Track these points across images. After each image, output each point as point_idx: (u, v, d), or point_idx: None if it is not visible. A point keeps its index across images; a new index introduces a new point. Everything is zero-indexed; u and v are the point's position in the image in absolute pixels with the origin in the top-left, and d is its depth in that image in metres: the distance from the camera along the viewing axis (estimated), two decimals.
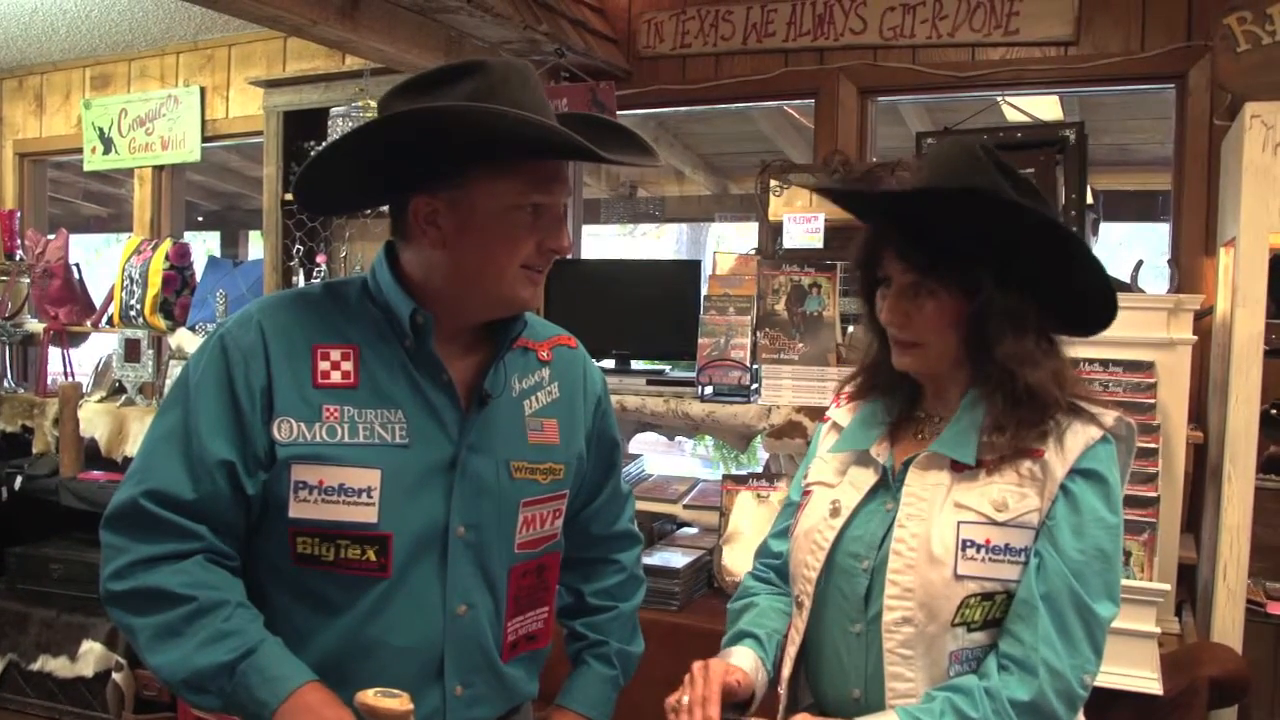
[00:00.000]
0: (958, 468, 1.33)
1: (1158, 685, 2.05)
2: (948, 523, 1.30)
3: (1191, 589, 2.57)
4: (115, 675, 3.66)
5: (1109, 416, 1.33)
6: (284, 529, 1.27)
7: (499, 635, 1.39)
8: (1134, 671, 2.06)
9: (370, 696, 0.98)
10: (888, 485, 1.39)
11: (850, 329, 2.80)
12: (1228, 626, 2.26)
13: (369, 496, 1.26)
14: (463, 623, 1.34)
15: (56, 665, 3.81)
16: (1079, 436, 1.30)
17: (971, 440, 1.32)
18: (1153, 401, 2.34)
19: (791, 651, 1.44)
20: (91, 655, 3.72)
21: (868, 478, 1.41)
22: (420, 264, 1.32)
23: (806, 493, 1.48)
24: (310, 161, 1.31)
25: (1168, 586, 2.19)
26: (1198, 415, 2.65)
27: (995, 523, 1.29)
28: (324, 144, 3.17)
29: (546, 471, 1.42)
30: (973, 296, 1.30)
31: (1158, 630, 2.09)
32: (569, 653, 1.58)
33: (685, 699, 1.28)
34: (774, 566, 1.56)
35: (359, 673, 1.24)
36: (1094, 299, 1.33)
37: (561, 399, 1.47)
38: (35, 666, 3.86)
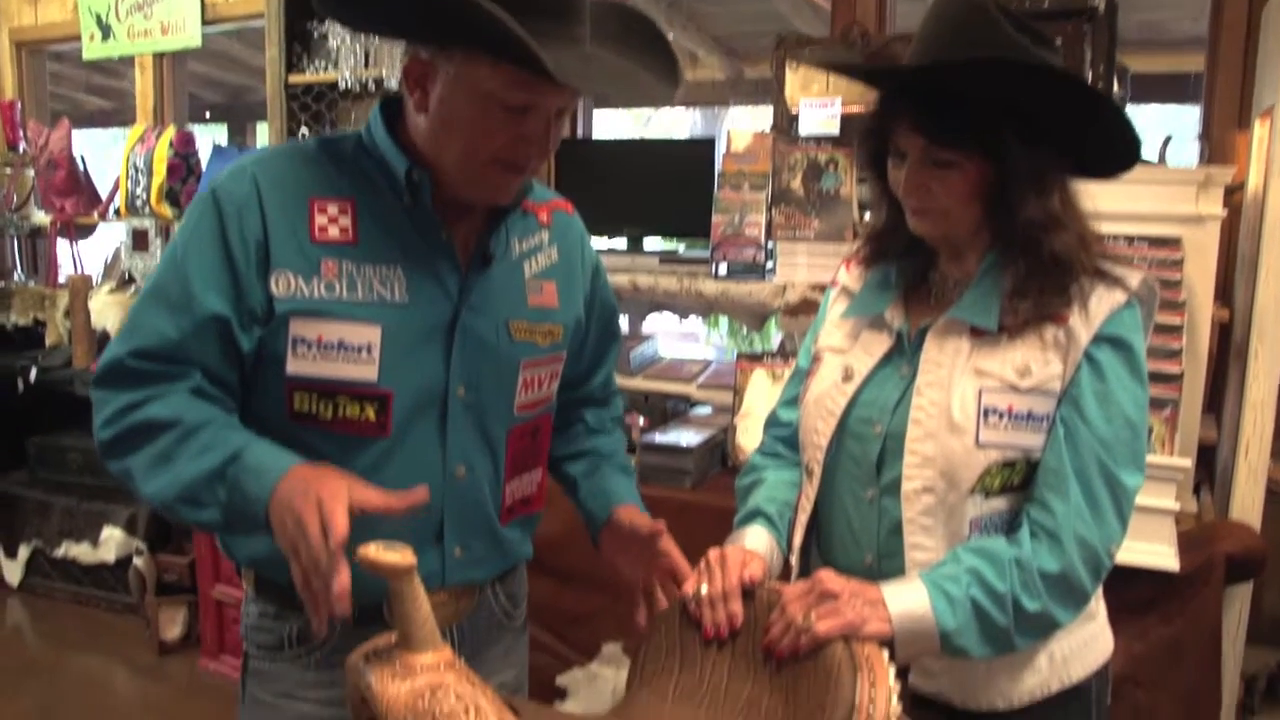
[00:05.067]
0: (978, 333, 1.29)
1: (1174, 561, 2.03)
2: (968, 390, 1.26)
3: (1210, 470, 2.54)
4: (136, 560, 3.74)
5: (1134, 278, 1.28)
6: (281, 385, 1.25)
7: (497, 498, 1.38)
8: (1151, 547, 2.04)
9: (372, 550, 0.96)
10: (902, 350, 1.35)
11: (868, 215, 2.73)
12: (1247, 505, 2.23)
13: (369, 354, 1.23)
14: (462, 484, 1.33)
15: (79, 551, 3.90)
16: (1104, 301, 1.25)
17: (993, 305, 1.28)
18: (1178, 278, 2.28)
19: (802, 519, 1.42)
20: (113, 541, 3.79)
21: (881, 342, 1.37)
22: (411, 124, 1.28)
23: (816, 359, 1.44)
24: None
25: (1188, 463, 2.16)
26: (1224, 293, 2.58)
27: (1018, 389, 1.25)
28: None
29: (546, 333, 1.39)
30: (995, 161, 1.24)
31: (1176, 506, 2.07)
32: (576, 471, 1.55)
33: (704, 589, 1.26)
34: (783, 437, 1.53)
35: (357, 533, 1.21)
36: (1115, 143, 1.26)
37: (560, 262, 1.44)
38: (59, 553, 3.95)
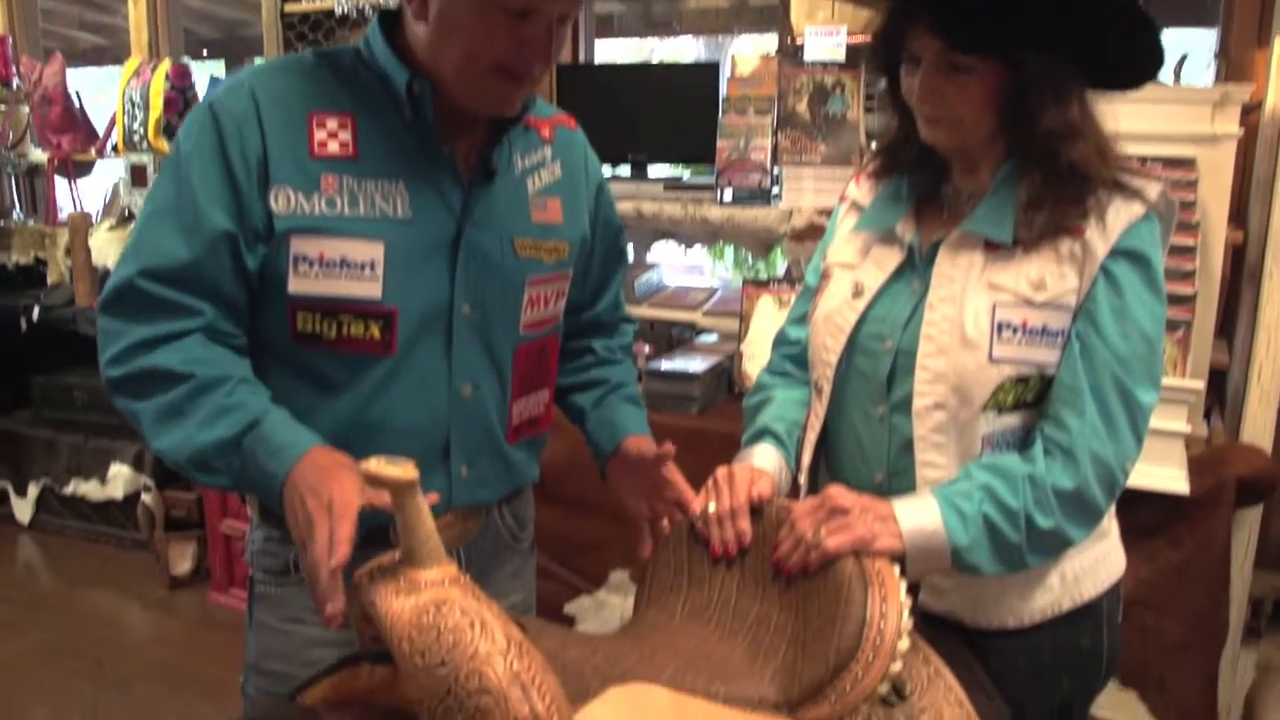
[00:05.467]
0: (991, 247, 1.25)
1: (1185, 484, 2.02)
2: (982, 304, 1.23)
3: (1220, 395, 2.52)
4: (144, 497, 3.75)
5: (1153, 190, 1.24)
6: (283, 305, 1.22)
7: (504, 417, 1.36)
8: (1161, 470, 2.02)
9: (374, 464, 0.94)
10: (914, 265, 1.32)
11: (874, 144, 2.68)
12: (1259, 428, 2.22)
13: (372, 271, 1.21)
14: (468, 403, 1.31)
15: (88, 489, 3.91)
16: (1121, 214, 1.22)
17: (1007, 218, 1.24)
18: (1193, 199, 2.23)
19: (811, 438, 1.40)
20: (120, 478, 3.80)
21: (892, 257, 1.34)
22: (411, 35, 1.24)
23: (825, 275, 1.41)
24: None
25: (1200, 385, 2.14)
26: (1238, 215, 2.54)
27: (1033, 303, 1.22)
28: None
29: (551, 250, 1.36)
30: (1013, 68, 1.20)
31: (1187, 429, 2.05)
32: (584, 402, 1.54)
33: (712, 507, 1.24)
34: (791, 355, 1.51)
35: (363, 454, 1.20)
36: (1137, 48, 1.22)
37: (564, 179, 1.40)
38: (68, 490, 3.97)
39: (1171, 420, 2.02)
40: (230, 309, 1.22)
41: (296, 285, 1.21)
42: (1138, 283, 1.22)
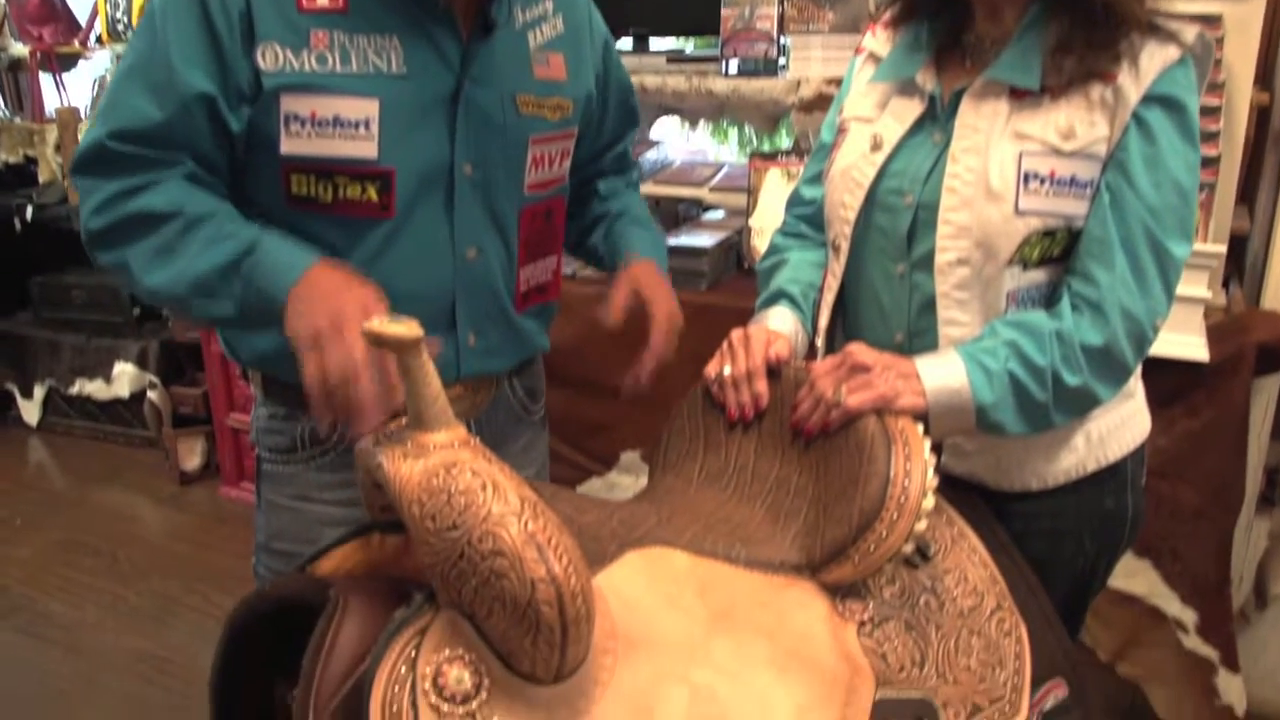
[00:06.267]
0: (1017, 95, 1.19)
1: (1204, 351, 1.98)
2: (1007, 154, 1.17)
3: (1240, 262, 2.47)
4: (150, 394, 3.74)
5: (1189, 32, 1.17)
6: (276, 167, 1.17)
7: (511, 283, 1.33)
8: (1181, 338, 1.98)
9: (377, 324, 0.90)
10: (935, 116, 1.25)
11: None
12: None
13: (367, 129, 1.15)
14: (473, 267, 1.27)
15: (93, 388, 3.90)
16: (1155, 58, 1.15)
17: (1035, 63, 1.17)
18: (1218, 58, 2.15)
19: (828, 299, 1.35)
20: (125, 377, 3.79)
21: (912, 108, 1.27)
22: None
23: (842, 130, 1.35)
24: None
25: (1222, 249, 2.09)
26: (1265, 77, 2.44)
27: (1061, 152, 1.16)
28: None
29: (555, 107, 1.30)
30: None
31: (1208, 294, 2.00)
32: (596, 240, 1.51)
33: (728, 370, 1.20)
34: (806, 215, 1.45)
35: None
36: None
37: (567, 34, 1.34)
38: (74, 390, 3.96)
39: (1192, 286, 1.97)
40: (210, 168, 1.17)
41: (289, 146, 1.16)
42: (1171, 130, 1.16)
